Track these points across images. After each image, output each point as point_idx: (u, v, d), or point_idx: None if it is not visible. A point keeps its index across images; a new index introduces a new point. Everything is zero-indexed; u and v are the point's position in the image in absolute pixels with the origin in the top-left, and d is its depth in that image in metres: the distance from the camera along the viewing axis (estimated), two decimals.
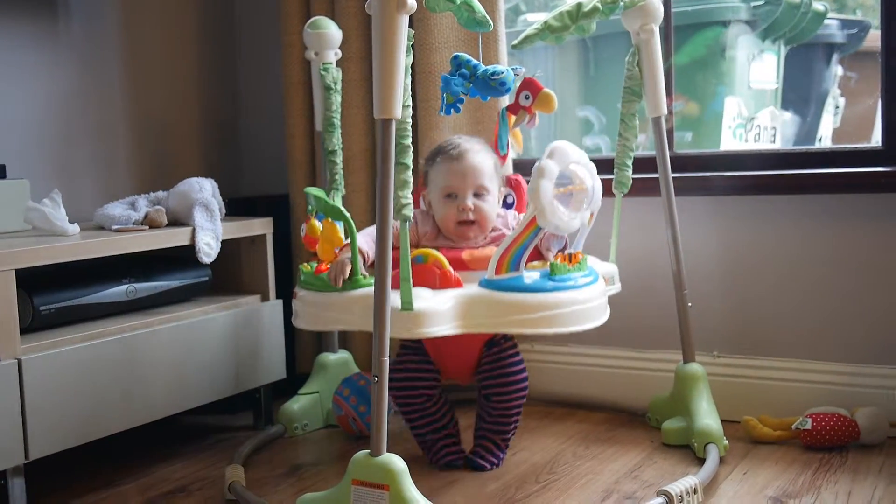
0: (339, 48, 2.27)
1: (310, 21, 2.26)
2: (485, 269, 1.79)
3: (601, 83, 3.23)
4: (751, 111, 3.14)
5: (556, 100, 2.08)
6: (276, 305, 2.33)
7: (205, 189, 2.20)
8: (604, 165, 2.07)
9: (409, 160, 1.65)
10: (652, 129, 2.13)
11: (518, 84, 2.05)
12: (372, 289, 1.68)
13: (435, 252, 1.81)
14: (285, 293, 2.46)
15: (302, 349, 2.59)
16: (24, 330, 1.85)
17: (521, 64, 2.94)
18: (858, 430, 2.05)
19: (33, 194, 2.13)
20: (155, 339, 2.02)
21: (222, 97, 2.81)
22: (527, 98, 2.08)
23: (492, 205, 1.98)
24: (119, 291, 2.06)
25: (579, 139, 3.12)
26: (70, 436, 1.86)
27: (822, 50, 3.18)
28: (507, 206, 2.14)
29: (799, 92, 3.20)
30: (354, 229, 1.84)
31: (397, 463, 1.60)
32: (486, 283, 1.77)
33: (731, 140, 3.11)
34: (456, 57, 1.95)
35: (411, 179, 1.67)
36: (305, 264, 1.98)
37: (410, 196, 1.66)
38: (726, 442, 2.02)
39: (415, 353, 1.99)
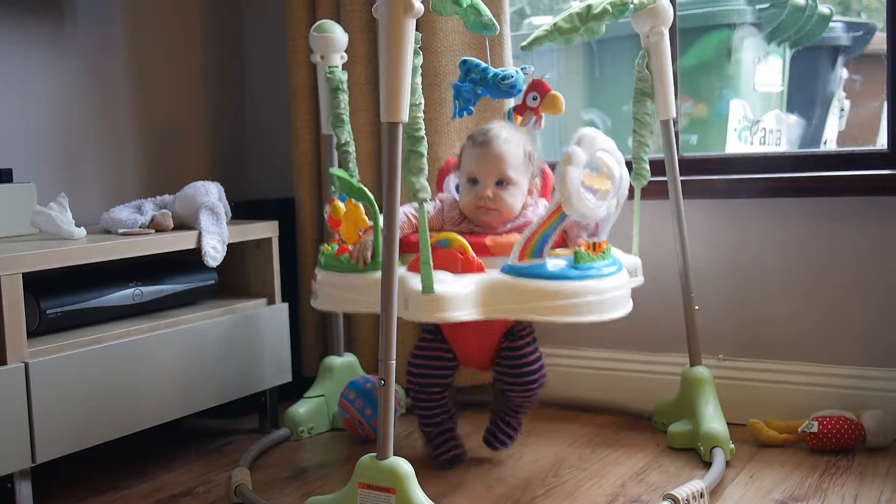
0: (345, 51, 2.28)
1: (315, 24, 2.26)
2: (508, 256, 1.78)
3: (606, 86, 3.23)
4: (756, 114, 3.14)
5: (564, 101, 2.07)
6: (281, 309, 2.33)
7: (211, 193, 2.20)
8: None
9: (422, 149, 1.66)
10: (660, 132, 2.12)
11: (526, 84, 2.05)
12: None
13: (458, 237, 1.80)
14: (291, 296, 2.46)
15: (308, 352, 2.59)
16: (31, 333, 1.85)
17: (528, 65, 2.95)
18: (865, 433, 2.04)
19: (40, 198, 2.14)
20: (161, 342, 2.02)
21: (228, 101, 2.82)
22: (534, 99, 2.08)
23: (515, 196, 1.94)
24: (125, 295, 2.06)
25: None
26: (77, 439, 1.86)
27: (827, 53, 3.18)
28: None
29: (804, 95, 3.20)
30: (378, 211, 1.82)
31: (404, 466, 1.60)
32: (509, 270, 1.75)
33: (737, 143, 3.11)
34: (465, 62, 1.94)
35: (425, 167, 1.67)
36: (326, 245, 1.98)
37: (425, 181, 1.66)
38: (732, 445, 2.01)
39: (434, 339, 1.99)
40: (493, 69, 1.94)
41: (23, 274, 1.77)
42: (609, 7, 1.99)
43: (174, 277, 2.17)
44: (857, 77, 3.23)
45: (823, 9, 3.09)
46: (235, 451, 2.21)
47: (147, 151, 2.56)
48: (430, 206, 1.96)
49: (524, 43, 2.03)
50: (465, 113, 1.91)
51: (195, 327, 2.10)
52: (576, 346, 2.48)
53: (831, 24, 3.13)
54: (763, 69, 3.15)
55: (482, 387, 2.39)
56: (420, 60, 1.66)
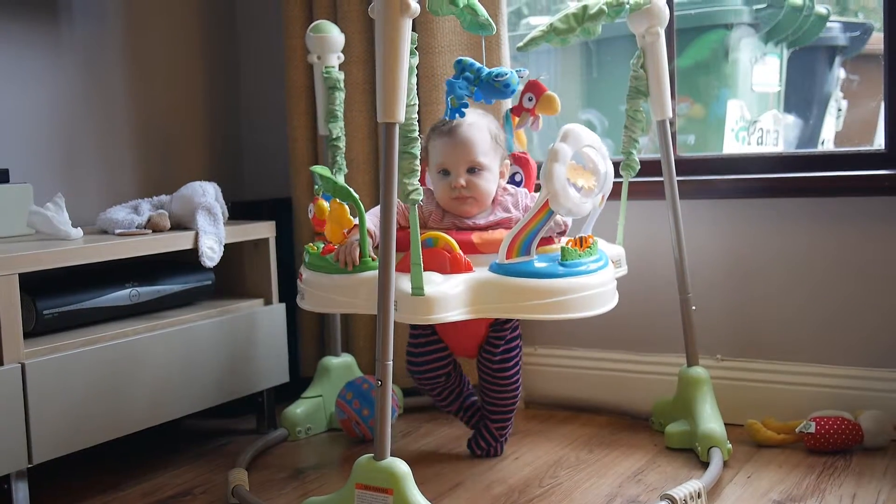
0: (342, 52, 2.28)
1: (312, 25, 2.26)
2: (495, 253, 1.78)
3: (604, 86, 3.23)
4: (753, 114, 3.14)
5: (560, 102, 2.07)
6: (279, 309, 2.33)
7: (208, 193, 2.20)
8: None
9: (416, 150, 1.66)
10: (657, 132, 2.12)
11: (522, 87, 2.05)
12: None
13: (445, 235, 1.80)
14: (288, 297, 2.46)
15: (305, 353, 2.59)
16: (28, 334, 1.85)
17: (524, 66, 2.95)
18: (862, 434, 2.04)
19: (36, 198, 2.13)
20: (158, 342, 2.02)
21: (225, 101, 2.82)
22: (530, 100, 2.09)
23: (489, 181, 1.93)
24: (122, 295, 2.06)
25: None
26: (73, 440, 1.86)
27: (824, 53, 3.18)
28: (515, 183, 2.11)
29: (801, 95, 3.20)
30: (363, 210, 1.82)
31: (401, 467, 1.60)
32: (497, 268, 1.75)
33: (734, 143, 3.11)
34: (459, 61, 1.94)
35: (418, 168, 1.67)
36: (311, 245, 1.96)
37: (417, 182, 1.66)
38: (730, 446, 2.01)
39: (427, 335, 2.03)
40: (487, 68, 1.94)
41: (19, 274, 1.77)
42: (605, 7, 1.99)
43: (171, 278, 2.17)
44: (855, 77, 3.23)
45: (820, 9, 3.08)
46: (233, 452, 2.20)
47: (144, 152, 2.55)
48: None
49: (520, 43, 2.03)
50: (457, 115, 1.91)
51: (192, 328, 2.10)
52: (573, 347, 2.48)
53: (828, 25, 3.12)
54: (760, 69, 3.15)
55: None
56: (416, 61, 1.65)
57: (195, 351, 2.10)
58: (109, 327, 1.99)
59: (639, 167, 2.13)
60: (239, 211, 2.42)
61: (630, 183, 2.17)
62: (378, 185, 2.42)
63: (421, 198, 1.67)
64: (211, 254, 2.10)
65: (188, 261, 2.15)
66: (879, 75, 2.18)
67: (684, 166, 2.31)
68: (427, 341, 2.04)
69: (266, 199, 2.69)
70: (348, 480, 1.63)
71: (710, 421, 2.04)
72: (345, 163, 2.26)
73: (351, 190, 1.84)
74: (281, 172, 2.73)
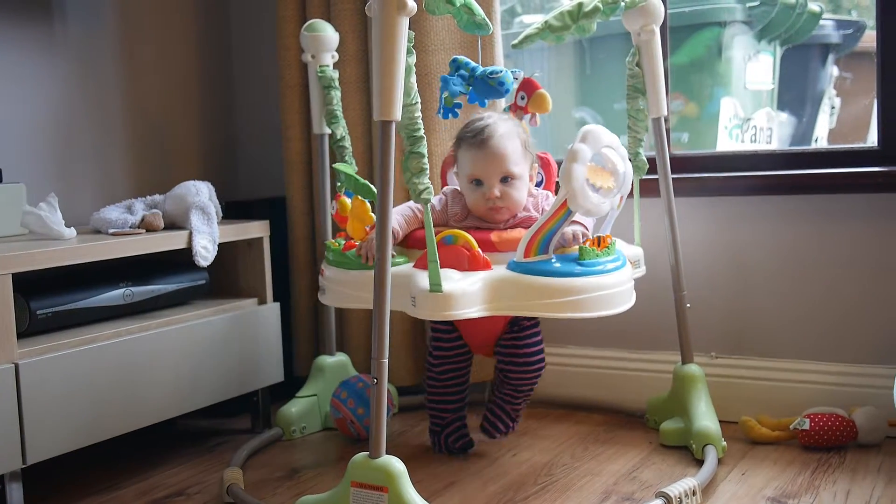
0: (336, 50, 2.27)
1: (306, 24, 2.26)
2: (513, 251, 1.79)
3: (597, 84, 3.24)
4: (747, 112, 3.15)
5: (551, 100, 2.08)
6: (273, 308, 2.33)
7: (202, 192, 2.19)
8: None
9: (423, 149, 1.66)
10: (652, 130, 2.12)
11: (516, 86, 2.06)
12: (399, 268, 1.73)
13: (464, 233, 1.80)
14: (282, 296, 2.46)
15: (299, 352, 2.59)
16: (21, 334, 1.84)
17: (518, 64, 2.95)
18: (856, 430, 2.05)
19: (30, 198, 2.13)
20: (152, 342, 2.02)
21: (219, 100, 2.81)
22: (522, 98, 2.09)
23: (520, 189, 1.94)
24: (116, 295, 2.06)
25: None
26: (68, 440, 1.85)
27: (817, 50, 3.18)
28: (535, 184, 2.11)
29: (795, 92, 3.20)
30: None
31: (396, 465, 1.60)
32: (515, 266, 1.76)
33: (728, 141, 3.12)
34: (455, 60, 1.95)
35: (427, 167, 1.67)
36: (333, 241, 1.98)
37: (428, 181, 1.67)
38: (724, 443, 2.02)
39: (449, 333, 2.03)
40: (482, 67, 1.94)
41: (12, 274, 1.77)
42: (600, 5, 1.99)
43: (165, 277, 2.17)
44: (848, 75, 3.24)
45: (814, 6, 3.09)
46: (227, 451, 2.20)
47: (137, 151, 2.55)
48: (434, 201, 1.96)
49: (515, 41, 2.03)
50: (450, 115, 1.91)
51: (186, 327, 2.10)
52: (568, 345, 2.48)
53: (821, 22, 3.13)
54: (754, 67, 3.16)
55: (480, 384, 2.39)
56: (414, 59, 1.66)
57: (189, 351, 2.09)
58: (103, 327, 1.99)
59: (647, 166, 2.13)
60: (233, 210, 2.41)
61: None
62: (374, 182, 2.42)
63: (432, 196, 1.67)
64: (205, 253, 2.10)
65: (182, 260, 2.14)
66: (872, 73, 2.19)
67: (678, 164, 2.31)
68: (449, 340, 2.03)
69: (260, 198, 2.69)
70: (343, 479, 1.63)
71: (705, 418, 2.04)
72: (354, 162, 2.26)
73: (372, 187, 1.86)
74: (275, 172, 2.73)
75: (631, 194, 2.06)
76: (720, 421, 2.06)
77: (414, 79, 1.65)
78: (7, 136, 2.24)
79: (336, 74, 2.24)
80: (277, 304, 2.34)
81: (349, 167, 1.92)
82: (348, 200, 1.99)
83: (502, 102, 2.19)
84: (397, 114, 1.60)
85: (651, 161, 2.16)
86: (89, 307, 2.00)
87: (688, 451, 2.06)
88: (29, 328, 1.88)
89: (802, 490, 1.85)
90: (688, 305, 2.14)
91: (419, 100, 1.68)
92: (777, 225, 2.24)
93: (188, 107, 2.71)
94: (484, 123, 1.94)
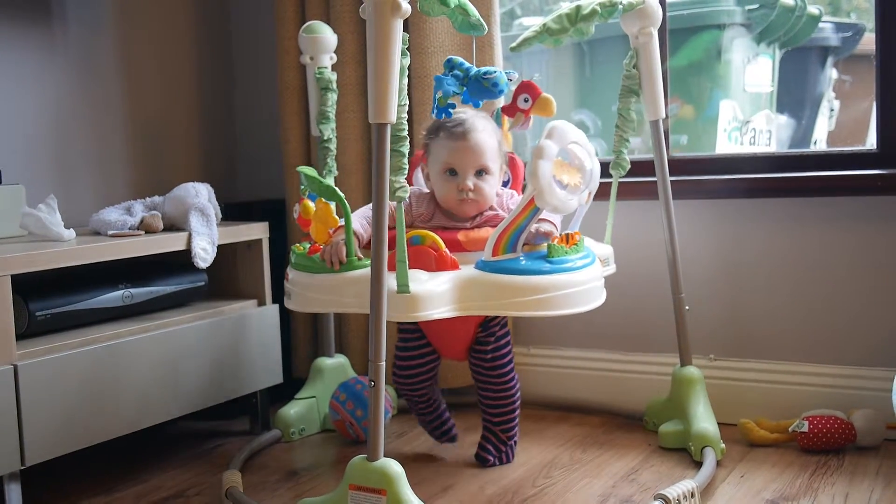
0: (335, 52, 2.28)
1: (305, 25, 2.26)
2: (481, 251, 1.79)
3: (597, 87, 3.24)
4: (746, 114, 3.15)
5: (555, 104, 2.08)
6: (272, 310, 2.33)
7: (201, 194, 2.19)
8: (601, 168, 2.07)
9: (405, 149, 1.66)
10: (650, 133, 2.12)
11: (514, 87, 2.06)
12: (365, 271, 1.70)
13: (431, 233, 1.80)
14: (281, 298, 2.45)
15: (298, 354, 2.59)
16: (20, 336, 1.84)
17: (517, 67, 2.95)
18: (855, 433, 2.05)
19: (29, 200, 2.13)
20: (151, 344, 2.02)
21: (218, 102, 2.81)
22: (525, 101, 2.08)
23: (491, 185, 1.95)
24: (115, 297, 2.06)
25: None
26: (66, 441, 1.85)
27: (816, 53, 3.18)
28: (503, 184, 2.10)
29: (794, 95, 3.20)
30: (349, 210, 1.81)
31: (394, 468, 1.60)
32: (483, 265, 1.76)
33: (727, 143, 3.12)
34: (449, 60, 1.95)
35: (406, 167, 1.67)
36: (298, 245, 1.96)
37: (404, 180, 1.66)
38: (723, 445, 2.02)
39: (414, 336, 2.03)
40: (476, 67, 1.94)
41: (11, 276, 1.77)
42: (598, 8, 1.99)
43: (164, 279, 2.17)
44: (847, 77, 3.24)
45: (813, 9, 3.09)
46: (226, 454, 2.20)
47: (137, 153, 2.55)
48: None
49: (513, 44, 2.04)
50: (444, 115, 1.91)
51: (185, 329, 2.10)
52: (566, 347, 2.48)
53: (821, 25, 3.13)
54: (753, 70, 3.16)
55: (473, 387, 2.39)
56: (407, 61, 1.66)
57: (188, 352, 2.09)
58: (102, 328, 1.99)
59: (629, 166, 2.13)
60: (232, 212, 2.41)
61: (623, 183, 2.17)
62: (370, 187, 2.42)
63: (407, 195, 1.67)
64: (204, 255, 2.10)
65: (181, 262, 2.14)
66: (871, 76, 2.19)
67: (677, 166, 2.31)
68: (416, 345, 2.03)
69: (259, 200, 2.70)
70: (342, 481, 1.63)
71: (704, 420, 2.04)
72: (335, 165, 2.26)
73: (336, 189, 1.84)
74: (274, 173, 2.73)
75: (605, 194, 2.07)
76: (719, 423, 2.06)
77: (405, 81, 1.65)
78: (6, 137, 2.24)
79: (334, 76, 2.25)
80: (276, 306, 2.34)
81: (312, 169, 1.89)
82: (312, 204, 1.95)
83: (499, 102, 2.19)
84: (392, 116, 1.60)
85: (649, 163, 2.16)
86: (88, 308, 2.00)
87: (686, 453, 2.06)
88: (28, 329, 1.88)
89: (801, 492, 1.85)
90: (686, 308, 2.14)
91: (408, 101, 1.68)
92: (776, 227, 2.24)
93: (188, 108, 2.71)
94: (465, 117, 1.96)
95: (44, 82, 2.32)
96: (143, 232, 2.10)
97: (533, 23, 2.32)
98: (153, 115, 2.60)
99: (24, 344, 1.83)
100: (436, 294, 1.69)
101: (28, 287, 1.90)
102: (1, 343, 1.75)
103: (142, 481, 2.06)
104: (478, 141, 1.92)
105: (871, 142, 2.51)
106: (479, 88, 1.93)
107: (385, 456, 1.61)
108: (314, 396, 2.34)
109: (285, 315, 2.52)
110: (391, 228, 1.66)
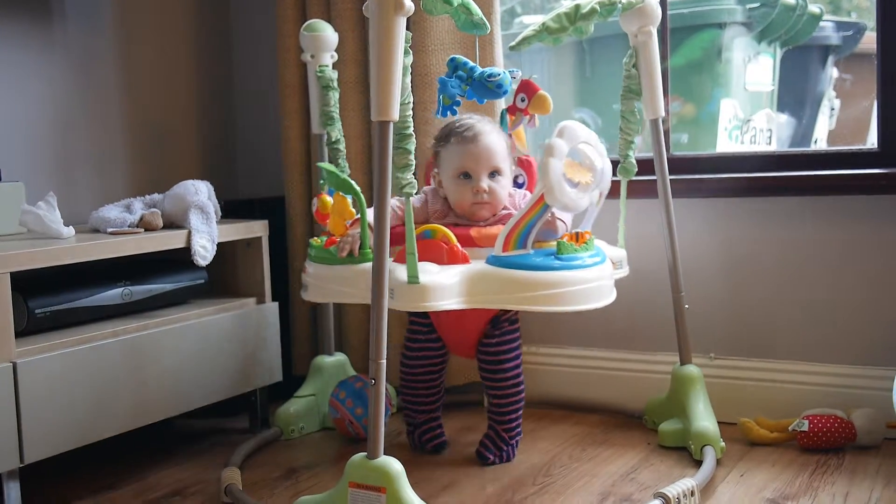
0: (335, 50, 2.27)
1: (306, 24, 2.25)
2: (492, 247, 1.80)
3: (597, 85, 3.24)
4: (746, 113, 3.15)
5: (551, 102, 2.07)
6: (272, 308, 2.33)
7: (200, 191, 2.19)
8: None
9: (410, 146, 1.67)
10: (650, 131, 2.12)
11: (515, 86, 2.06)
12: None
13: (443, 228, 1.82)
14: (281, 296, 2.46)
15: (298, 351, 2.59)
16: (20, 333, 1.84)
17: (517, 66, 2.95)
18: (855, 432, 2.05)
19: (28, 197, 2.13)
20: (151, 342, 2.02)
21: (218, 99, 2.81)
22: (522, 100, 2.08)
23: (504, 186, 1.98)
24: (114, 294, 2.06)
25: None
26: (66, 439, 1.85)
27: (817, 52, 3.18)
28: (517, 185, 2.15)
29: (794, 94, 3.21)
30: (364, 203, 1.86)
31: (394, 465, 1.60)
32: (494, 260, 1.78)
33: (727, 142, 3.12)
34: (453, 59, 1.95)
35: (412, 163, 1.68)
36: (316, 238, 2.01)
37: (411, 177, 1.68)
38: (723, 444, 2.02)
39: (424, 329, 2.04)
40: (480, 68, 1.94)
41: (11, 273, 1.77)
42: (597, 7, 1.99)
43: (163, 277, 2.16)
44: (848, 76, 3.24)
45: (814, 8, 3.09)
46: (226, 451, 2.20)
47: (136, 150, 2.55)
48: (415, 199, 1.97)
49: (513, 43, 2.03)
50: (448, 112, 1.92)
51: (185, 327, 2.09)
52: (565, 345, 2.48)
53: (821, 24, 3.13)
54: (753, 68, 3.16)
55: (476, 384, 2.39)
56: (410, 59, 1.66)
57: (188, 350, 2.09)
58: (102, 326, 1.98)
59: (636, 169, 2.13)
60: (232, 209, 2.41)
61: None
62: (373, 182, 2.42)
63: (414, 190, 1.69)
64: (204, 252, 2.10)
65: (181, 260, 2.14)
66: (872, 74, 2.19)
67: (677, 165, 2.31)
68: (423, 335, 2.05)
69: (259, 197, 2.69)
70: (341, 479, 1.63)
71: (704, 419, 2.04)
72: (346, 165, 2.26)
73: (353, 183, 1.89)
74: (274, 171, 2.73)
75: (617, 194, 2.07)
76: (719, 422, 2.05)
77: (409, 79, 1.66)
78: (6, 134, 2.24)
79: (335, 74, 2.24)
80: (276, 304, 2.34)
81: (331, 165, 1.94)
82: (329, 198, 2.01)
83: (502, 102, 2.19)
84: (395, 114, 1.60)
85: (649, 162, 2.16)
86: (88, 306, 2.00)
87: (686, 451, 2.06)
88: (27, 327, 1.88)
89: (801, 491, 1.85)
90: (686, 306, 2.14)
91: (412, 99, 1.69)
92: (776, 226, 2.24)
93: (187, 106, 2.71)
94: (472, 121, 1.99)
95: (44, 80, 2.32)
96: (142, 230, 2.09)
97: (533, 21, 2.32)
98: (153, 113, 2.60)
99: (23, 341, 1.83)
100: (445, 285, 1.71)
101: (27, 284, 1.90)
102: (0, 341, 1.74)
103: (141, 479, 2.06)
104: (489, 143, 1.96)
105: (871, 141, 2.51)
106: (483, 90, 1.94)
107: (385, 454, 1.61)
108: (314, 394, 2.34)
109: (285, 313, 2.52)
110: (399, 226, 1.68)
